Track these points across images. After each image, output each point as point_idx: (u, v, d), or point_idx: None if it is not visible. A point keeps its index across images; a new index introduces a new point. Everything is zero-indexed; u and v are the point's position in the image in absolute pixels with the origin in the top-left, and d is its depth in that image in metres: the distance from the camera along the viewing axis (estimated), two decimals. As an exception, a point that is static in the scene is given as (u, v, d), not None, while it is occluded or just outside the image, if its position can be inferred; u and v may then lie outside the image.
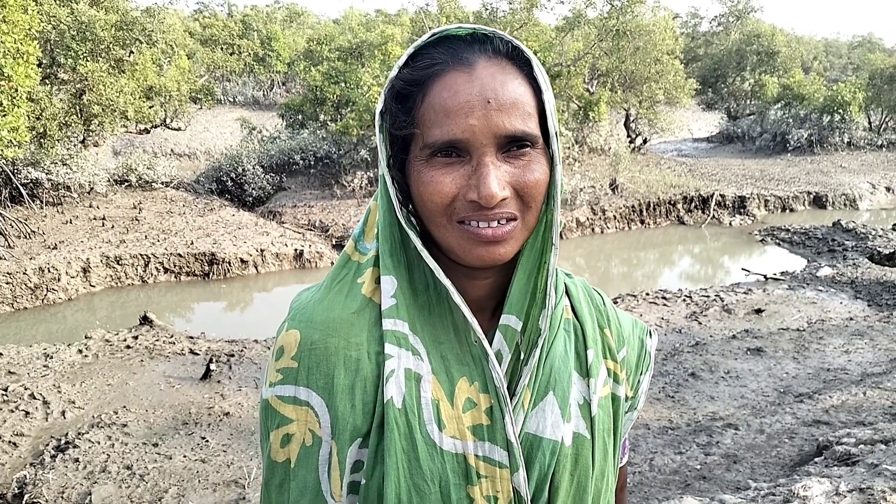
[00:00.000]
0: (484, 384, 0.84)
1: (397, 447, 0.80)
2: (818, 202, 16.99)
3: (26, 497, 4.20)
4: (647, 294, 9.50)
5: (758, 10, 27.98)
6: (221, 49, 27.99)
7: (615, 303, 9.18)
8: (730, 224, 15.43)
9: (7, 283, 9.16)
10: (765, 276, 10.62)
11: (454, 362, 0.84)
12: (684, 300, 9.15)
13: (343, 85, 16.79)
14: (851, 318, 8.10)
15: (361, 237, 0.90)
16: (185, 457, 4.74)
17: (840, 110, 22.39)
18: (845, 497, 2.37)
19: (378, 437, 0.81)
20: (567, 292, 0.96)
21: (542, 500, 0.86)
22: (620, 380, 0.95)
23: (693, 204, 15.87)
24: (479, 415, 0.83)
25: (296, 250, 11.52)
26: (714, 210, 15.70)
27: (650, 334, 1.05)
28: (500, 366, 0.84)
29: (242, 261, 10.99)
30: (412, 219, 0.86)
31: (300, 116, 18.18)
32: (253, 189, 15.14)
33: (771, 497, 2.77)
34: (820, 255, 12.16)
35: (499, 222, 0.78)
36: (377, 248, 0.87)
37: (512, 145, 0.78)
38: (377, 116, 0.83)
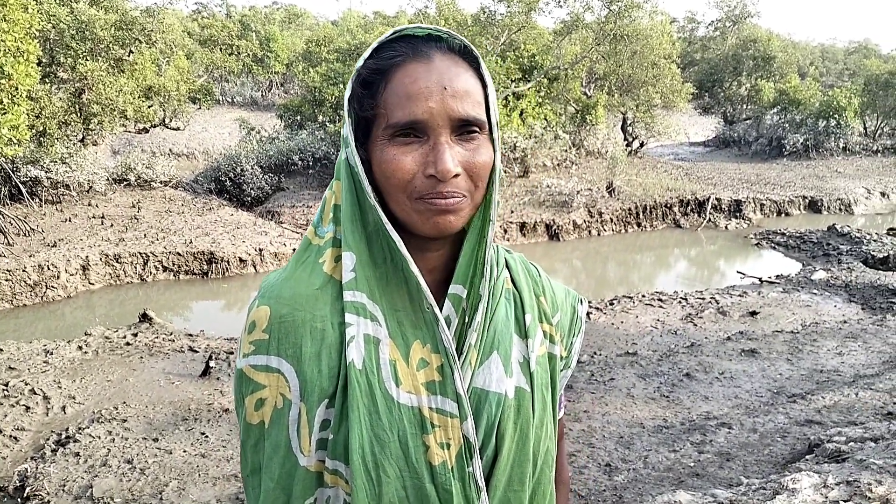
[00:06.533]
0: (435, 345, 0.93)
1: (359, 403, 0.89)
2: (814, 206, 17.09)
3: (27, 490, 4.24)
4: (644, 296, 9.57)
5: (754, 16, 28.06)
6: (220, 49, 28.04)
7: (611, 304, 9.27)
8: (726, 227, 15.52)
9: (7, 281, 9.19)
10: (760, 280, 10.69)
11: (409, 327, 0.94)
12: (680, 302, 9.21)
13: (342, 86, 16.83)
14: (845, 321, 8.17)
15: (320, 223, 0.99)
16: (185, 451, 4.79)
17: (836, 115, 22.53)
18: (833, 489, 2.44)
19: (343, 396, 0.91)
20: (507, 266, 1.08)
21: (490, 445, 0.97)
22: (556, 340, 1.08)
23: (689, 207, 15.95)
24: (431, 372, 0.93)
25: (294, 250, 11.53)
26: (710, 213, 15.79)
27: (581, 301, 1.18)
28: (448, 329, 0.94)
29: (241, 260, 11.03)
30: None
31: (298, 117, 18.21)
32: (251, 189, 15.17)
33: (762, 491, 2.83)
34: (815, 259, 12.24)
35: (453, 198, 0.88)
36: (334, 231, 0.95)
37: (464, 129, 0.88)
38: (345, 103, 0.92)
